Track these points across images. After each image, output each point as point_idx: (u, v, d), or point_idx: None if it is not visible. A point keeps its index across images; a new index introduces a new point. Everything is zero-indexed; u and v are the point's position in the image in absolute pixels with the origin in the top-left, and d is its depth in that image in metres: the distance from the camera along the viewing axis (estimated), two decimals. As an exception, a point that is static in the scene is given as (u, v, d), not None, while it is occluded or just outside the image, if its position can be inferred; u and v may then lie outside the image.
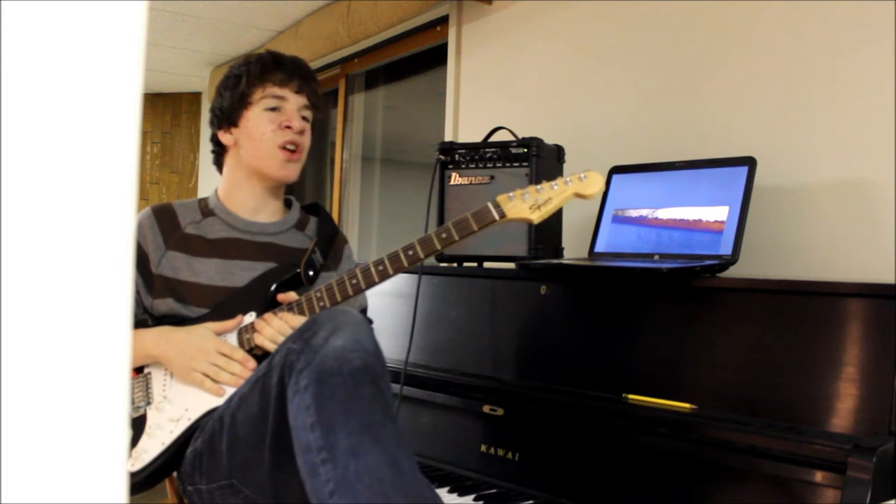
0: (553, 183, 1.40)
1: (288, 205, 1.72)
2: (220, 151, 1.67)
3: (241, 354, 1.46)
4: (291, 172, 1.60)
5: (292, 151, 1.59)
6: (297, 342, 1.20)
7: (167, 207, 1.61)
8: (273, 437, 1.23)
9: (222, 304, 1.52)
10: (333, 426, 1.10)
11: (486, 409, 1.59)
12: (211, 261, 1.57)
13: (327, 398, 1.12)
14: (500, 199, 1.40)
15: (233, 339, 1.50)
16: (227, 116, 1.61)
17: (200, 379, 1.44)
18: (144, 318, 1.56)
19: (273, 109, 1.58)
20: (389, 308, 1.94)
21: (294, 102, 1.60)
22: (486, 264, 1.89)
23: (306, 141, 1.62)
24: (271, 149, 1.57)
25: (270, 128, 1.57)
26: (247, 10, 3.38)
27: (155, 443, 1.43)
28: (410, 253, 1.42)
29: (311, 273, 1.57)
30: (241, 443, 1.30)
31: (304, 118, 1.62)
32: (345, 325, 1.20)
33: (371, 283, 1.44)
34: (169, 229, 1.58)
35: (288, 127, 1.57)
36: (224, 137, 1.63)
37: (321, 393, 1.13)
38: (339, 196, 3.72)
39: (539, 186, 1.40)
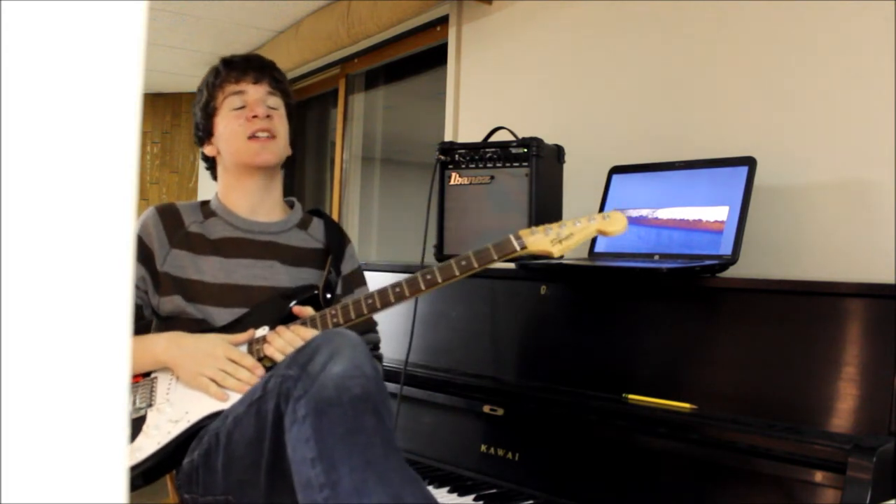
0: (576, 220, 1.43)
1: (290, 206, 1.73)
2: (211, 166, 1.73)
3: (250, 361, 1.45)
4: (269, 156, 1.62)
5: (266, 138, 1.61)
6: (293, 368, 1.18)
7: (171, 207, 1.64)
8: (269, 461, 1.22)
9: (238, 321, 1.53)
10: (335, 462, 1.08)
11: (486, 409, 1.59)
12: (213, 259, 1.58)
13: (327, 430, 1.10)
14: (523, 232, 1.41)
15: (243, 349, 1.50)
16: (203, 130, 1.67)
17: (206, 383, 1.43)
18: (152, 320, 1.57)
19: (239, 108, 1.62)
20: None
21: (255, 92, 1.63)
22: (486, 264, 1.89)
23: (278, 125, 1.64)
24: (242, 142, 1.60)
25: (237, 123, 1.61)
26: (247, 10, 3.38)
27: (151, 442, 1.43)
28: (429, 277, 1.42)
29: (328, 296, 1.59)
30: (237, 463, 1.30)
31: (271, 107, 1.64)
32: (343, 349, 1.17)
33: (387, 305, 1.45)
34: (173, 227, 1.59)
35: (254, 116, 1.60)
36: (207, 150, 1.70)
37: (321, 425, 1.11)
38: (339, 196, 3.72)
39: (562, 223, 1.42)
